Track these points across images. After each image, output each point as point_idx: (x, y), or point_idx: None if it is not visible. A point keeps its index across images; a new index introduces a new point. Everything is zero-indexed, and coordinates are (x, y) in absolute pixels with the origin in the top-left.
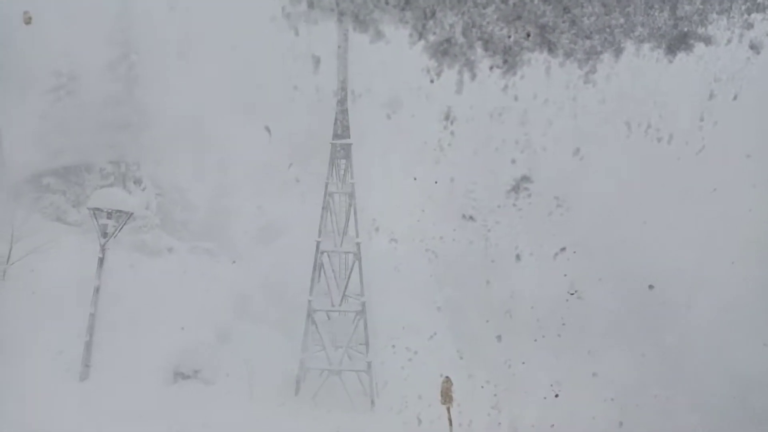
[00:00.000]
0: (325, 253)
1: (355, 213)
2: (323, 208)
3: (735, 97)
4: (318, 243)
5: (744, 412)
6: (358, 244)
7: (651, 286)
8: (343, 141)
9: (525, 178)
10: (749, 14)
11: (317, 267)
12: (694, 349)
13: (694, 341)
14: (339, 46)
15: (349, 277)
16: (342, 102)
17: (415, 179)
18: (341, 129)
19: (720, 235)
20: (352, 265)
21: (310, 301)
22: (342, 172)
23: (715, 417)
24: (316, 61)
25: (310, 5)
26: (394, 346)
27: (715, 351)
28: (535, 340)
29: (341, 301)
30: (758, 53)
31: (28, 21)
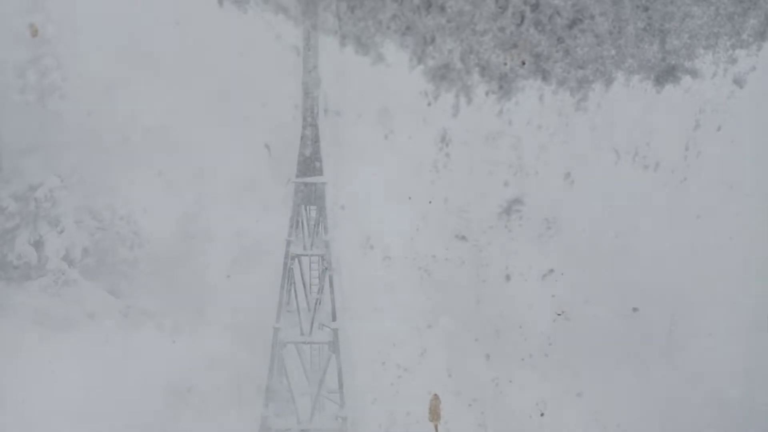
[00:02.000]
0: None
1: (331, 285)
2: (283, 277)
3: (719, 129)
4: (276, 330)
5: None
6: (335, 331)
7: (635, 309)
8: (312, 179)
9: (517, 201)
10: (734, 50)
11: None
12: (677, 372)
13: (677, 364)
14: (304, 47)
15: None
16: (309, 116)
17: (410, 198)
18: (310, 151)
19: (703, 261)
20: (328, 360)
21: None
22: (312, 223)
23: None
24: (317, 81)
25: (314, 28)
26: (383, 362)
27: (698, 374)
28: (523, 360)
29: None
30: (741, 87)
31: (35, 33)
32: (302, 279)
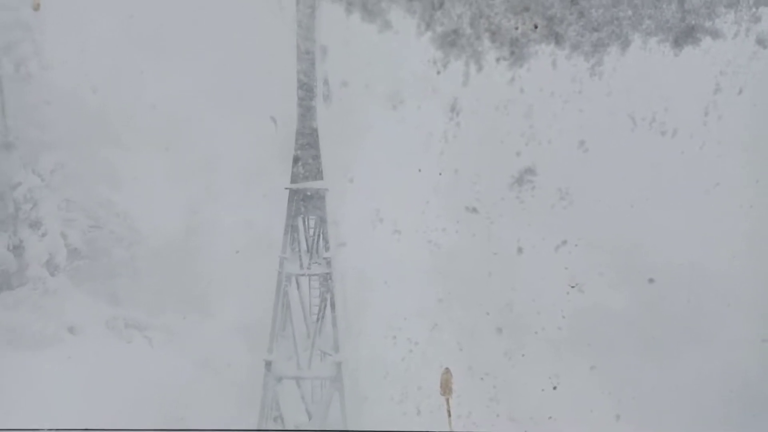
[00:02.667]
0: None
1: (333, 310)
2: (276, 301)
3: (740, 92)
4: (268, 364)
5: (740, 406)
6: (338, 364)
7: (651, 280)
8: (309, 185)
9: (529, 171)
10: (757, 8)
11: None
12: (693, 344)
13: (693, 335)
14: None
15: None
16: (306, 94)
17: (419, 171)
18: (307, 138)
19: (721, 230)
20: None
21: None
22: (311, 237)
23: (712, 411)
24: (323, 51)
25: None
26: (395, 337)
27: (714, 345)
28: (536, 333)
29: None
30: (765, 47)
31: (37, 7)
32: (300, 302)
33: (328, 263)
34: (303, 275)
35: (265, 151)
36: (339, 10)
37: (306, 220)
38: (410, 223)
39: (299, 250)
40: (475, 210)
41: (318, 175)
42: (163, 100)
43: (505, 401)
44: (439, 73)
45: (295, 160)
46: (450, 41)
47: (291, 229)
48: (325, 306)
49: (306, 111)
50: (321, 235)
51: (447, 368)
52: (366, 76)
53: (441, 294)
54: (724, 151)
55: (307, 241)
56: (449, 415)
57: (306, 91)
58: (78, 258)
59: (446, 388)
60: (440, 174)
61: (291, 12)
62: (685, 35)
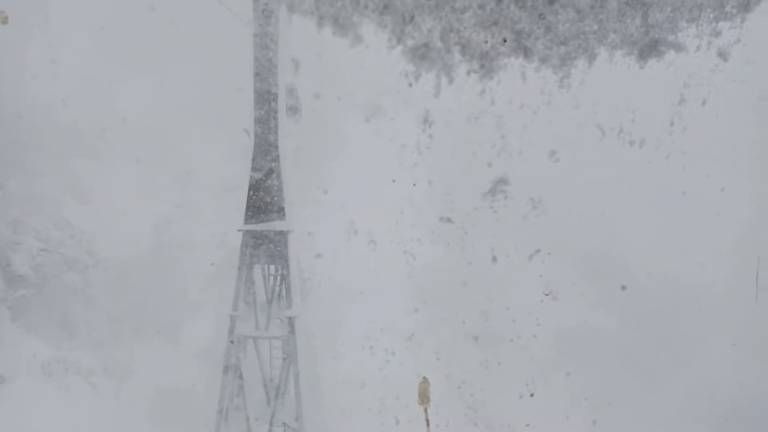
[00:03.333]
0: None
1: (296, 380)
2: (225, 371)
3: (704, 103)
4: None
5: (712, 410)
6: None
7: (624, 287)
8: (269, 226)
9: (501, 181)
10: (717, 22)
11: None
12: (666, 349)
13: (665, 340)
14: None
15: None
16: (265, 107)
17: (394, 181)
18: (266, 159)
19: (689, 237)
20: None
21: None
22: (271, 290)
23: (685, 416)
24: (296, 64)
25: (290, 9)
26: (372, 347)
27: (686, 350)
28: (511, 341)
29: None
30: (726, 60)
31: (5, 21)
32: (260, 366)
33: (291, 324)
34: (260, 338)
35: (240, 164)
36: (310, 24)
37: (266, 268)
38: (385, 233)
39: (255, 306)
40: (449, 220)
41: (280, 212)
42: (134, 112)
43: (483, 409)
44: (411, 85)
45: (252, 188)
46: (421, 54)
47: (245, 279)
48: (287, 376)
49: (265, 127)
50: (283, 288)
51: (425, 378)
52: (339, 89)
53: (417, 304)
54: (690, 160)
55: (265, 294)
56: (428, 425)
57: (264, 104)
58: (23, 286)
59: (424, 397)
60: (414, 185)
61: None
62: (649, 48)
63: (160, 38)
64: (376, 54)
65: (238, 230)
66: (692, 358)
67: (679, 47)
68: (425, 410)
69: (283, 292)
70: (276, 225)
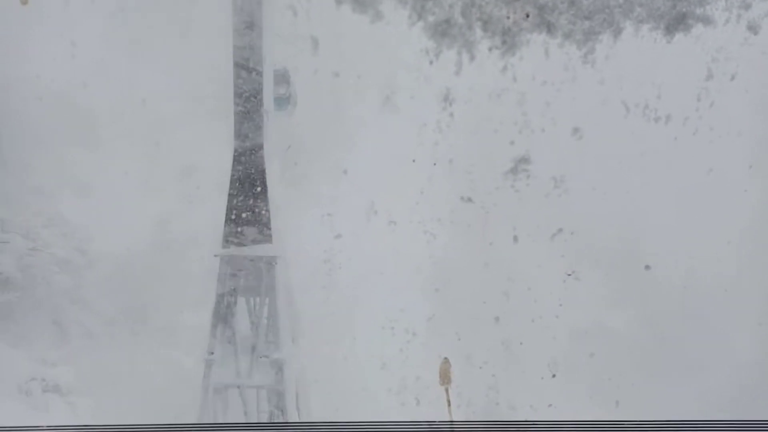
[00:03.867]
0: None
1: None
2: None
3: (732, 78)
4: None
5: (740, 391)
6: None
7: (648, 267)
8: (252, 251)
9: (523, 160)
10: None
11: None
12: (691, 330)
13: (690, 321)
14: None
15: None
16: (248, 100)
17: (413, 161)
18: (247, 164)
19: (716, 215)
20: None
21: None
22: (255, 328)
23: (711, 396)
24: (315, 42)
25: None
26: (393, 328)
27: (711, 331)
28: (533, 321)
29: None
30: (756, 34)
31: (25, 1)
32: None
33: (280, 369)
34: (240, 387)
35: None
36: (329, 2)
37: (252, 302)
38: (405, 214)
39: (236, 348)
40: (470, 200)
41: (264, 233)
42: (150, 98)
43: (505, 390)
44: (431, 63)
45: (232, 204)
46: (442, 31)
47: (223, 315)
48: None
49: (246, 123)
50: (269, 326)
51: (446, 358)
52: (358, 67)
53: (438, 284)
54: (717, 137)
55: (253, 332)
56: (449, 405)
57: (245, 97)
58: (9, 290)
59: (445, 377)
60: (434, 164)
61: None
62: (676, 22)
63: (181, 23)
64: (397, 31)
65: (215, 255)
66: (718, 338)
67: (707, 20)
68: (446, 391)
69: (269, 327)
70: (259, 249)
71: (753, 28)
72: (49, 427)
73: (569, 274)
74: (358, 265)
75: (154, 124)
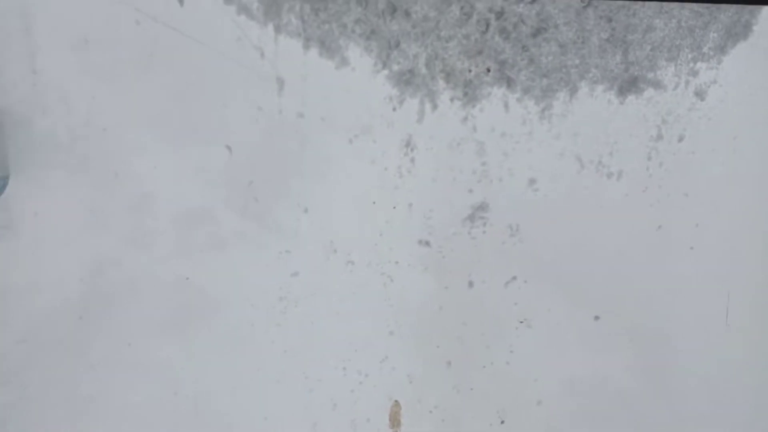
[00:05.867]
0: None
1: None
2: None
3: (680, 140)
4: None
5: (703, 407)
6: None
7: (597, 317)
8: None
9: (481, 207)
10: (695, 63)
11: None
12: (637, 380)
13: (637, 371)
14: None
15: None
16: None
17: (374, 203)
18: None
19: (663, 270)
20: None
21: None
22: None
23: None
24: (281, 83)
25: (277, 29)
26: (345, 368)
27: (658, 379)
28: (484, 367)
29: None
30: (702, 100)
31: None
32: None
33: None
34: None
35: (212, 190)
36: (297, 45)
37: None
38: (363, 254)
39: None
40: (428, 244)
41: None
42: (112, 126)
43: None
44: (395, 109)
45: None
46: (406, 80)
47: None
48: None
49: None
50: None
51: (396, 401)
52: (322, 109)
53: (392, 327)
54: (665, 195)
55: None
56: None
57: None
58: None
59: (395, 420)
60: (394, 207)
61: (252, 39)
62: (628, 85)
63: (144, 52)
64: (362, 77)
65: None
66: (663, 387)
67: (657, 85)
68: None
69: None
70: None
71: (699, 95)
72: None
73: (521, 322)
74: (314, 303)
75: (157, 146)
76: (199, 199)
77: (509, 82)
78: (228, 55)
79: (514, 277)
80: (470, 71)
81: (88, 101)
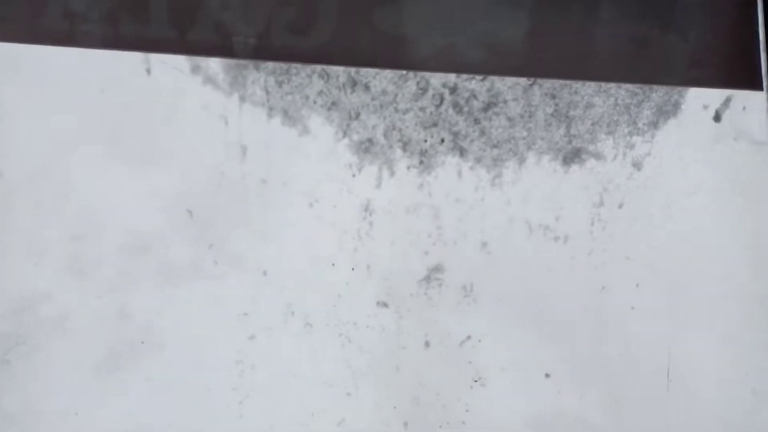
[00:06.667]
0: None
1: None
2: None
3: (620, 206)
4: None
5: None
6: None
7: (548, 375)
8: None
9: (436, 269)
10: (631, 137)
11: None
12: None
13: (588, 428)
14: None
15: None
16: None
17: (333, 265)
18: None
19: (607, 330)
20: None
21: None
22: None
23: None
24: (244, 149)
25: (242, 99)
26: None
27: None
28: (440, 427)
29: None
30: (639, 170)
31: None
32: None
33: None
34: None
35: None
36: (261, 114)
37: None
38: (322, 316)
39: None
40: (385, 305)
41: None
42: (75, 192)
43: None
44: (354, 176)
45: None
46: (365, 148)
47: None
48: None
49: None
50: None
51: None
52: (284, 175)
53: (350, 388)
54: (608, 258)
55: None
56: None
57: None
58: None
59: None
60: (353, 269)
61: (218, 107)
62: (572, 155)
63: (111, 121)
64: (323, 145)
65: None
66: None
67: (598, 156)
68: None
69: None
70: None
71: (636, 165)
72: None
73: (476, 381)
74: (271, 366)
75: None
76: (162, 257)
77: (462, 152)
78: (191, 124)
79: (469, 337)
80: (426, 141)
81: (48, 167)
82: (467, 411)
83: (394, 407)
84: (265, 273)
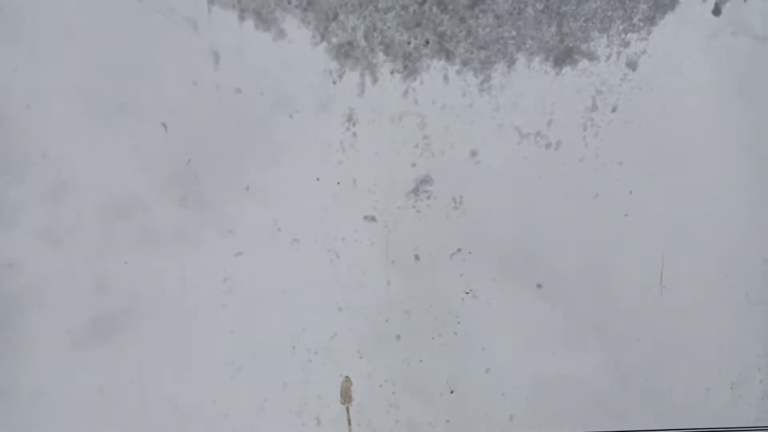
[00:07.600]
0: None
1: None
2: None
3: (614, 110)
4: None
5: (619, 398)
6: None
7: (539, 285)
8: None
9: (424, 181)
10: (626, 34)
11: None
12: (579, 344)
13: (577, 336)
14: None
15: None
16: None
17: (317, 179)
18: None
19: (600, 238)
20: None
21: None
22: None
23: (599, 406)
24: (216, 57)
25: (210, 2)
26: (294, 347)
27: (597, 341)
28: (432, 338)
29: None
30: (634, 70)
31: None
32: None
33: None
34: None
35: (142, 176)
36: (232, 17)
37: None
38: (308, 232)
39: None
40: (373, 219)
41: None
42: (38, 103)
43: (404, 407)
44: (335, 83)
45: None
46: (345, 53)
47: None
48: None
49: None
50: None
51: (347, 377)
52: (261, 84)
53: (340, 303)
54: (601, 164)
55: None
56: (349, 424)
57: None
58: None
59: (346, 396)
60: (338, 183)
61: (185, 9)
62: (564, 56)
63: (67, 18)
64: (300, 50)
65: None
66: (602, 348)
67: (591, 56)
68: (347, 409)
69: None
70: None
71: (631, 65)
72: None
73: (467, 293)
74: (259, 283)
75: (82, 125)
76: (136, 180)
77: (448, 54)
78: (158, 30)
79: (459, 249)
80: (409, 43)
81: (8, 73)
82: (459, 323)
83: (386, 321)
84: (247, 188)
